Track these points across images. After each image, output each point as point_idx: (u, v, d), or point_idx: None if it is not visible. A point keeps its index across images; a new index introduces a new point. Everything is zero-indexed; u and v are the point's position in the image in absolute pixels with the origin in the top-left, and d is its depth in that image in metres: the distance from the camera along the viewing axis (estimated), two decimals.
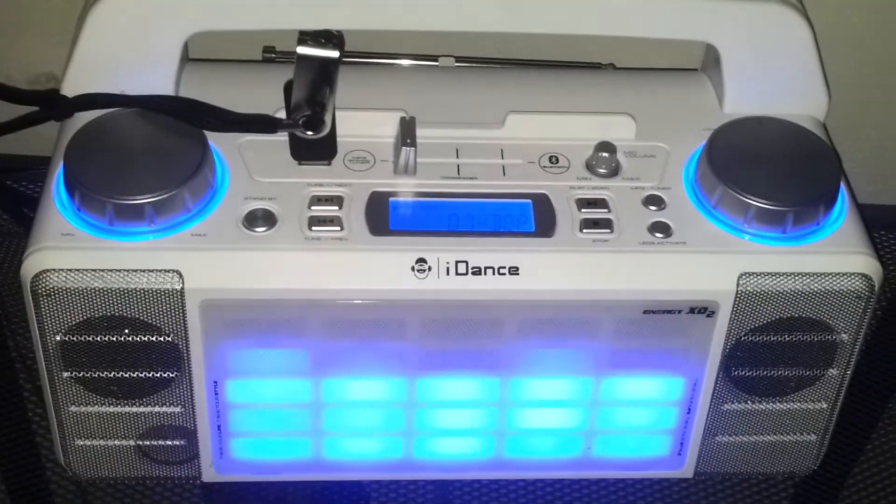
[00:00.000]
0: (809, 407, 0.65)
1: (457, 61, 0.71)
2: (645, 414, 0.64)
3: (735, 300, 0.59)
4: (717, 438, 0.65)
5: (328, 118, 0.59)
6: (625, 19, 0.64)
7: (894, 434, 0.73)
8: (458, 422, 0.63)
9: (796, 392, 0.64)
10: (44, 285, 0.56)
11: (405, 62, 0.71)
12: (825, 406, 0.65)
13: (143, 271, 0.56)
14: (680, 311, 0.59)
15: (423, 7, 0.63)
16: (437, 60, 0.71)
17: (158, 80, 0.63)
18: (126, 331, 0.58)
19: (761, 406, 0.64)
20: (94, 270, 0.56)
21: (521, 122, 0.64)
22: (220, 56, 0.71)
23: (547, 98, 0.67)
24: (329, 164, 0.62)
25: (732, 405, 0.64)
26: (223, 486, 0.66)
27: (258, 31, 0.64)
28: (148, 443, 0.63)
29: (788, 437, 0.66)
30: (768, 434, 0.65)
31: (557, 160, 0.63)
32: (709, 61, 0.68)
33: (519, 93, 0.67)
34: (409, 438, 0.64)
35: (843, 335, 0.61)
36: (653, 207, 0.61)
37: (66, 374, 0.59)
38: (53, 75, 0.81)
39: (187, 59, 0.66)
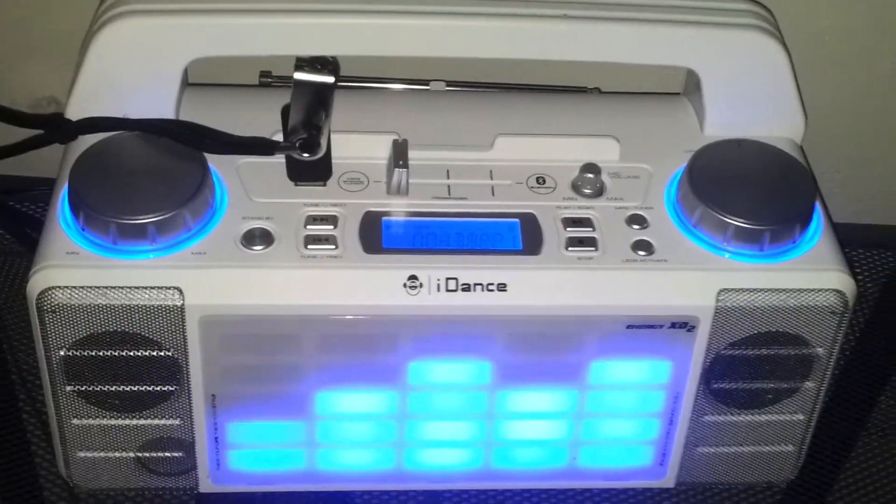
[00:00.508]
0: (787, 418, 0.67)
1: (447, 85, 0.73)
2: (628, 426, 0.66)
3: (714, 315, 0.61)
4: (698, 449, 0.67)
5: (324, 141, 0.61)
6: (609, 46, 0.66)
7: (876, 444, 0.75)
8: (447, 434, 0.65)
9: (774, 404, 0.66)
10: (49, 302, 0.58)
11: (398, 86, 0.73)
12: (802, 418, 0.67)
13: (145, 288, 0.58)
14: (662, 326, 0.62)
15: (415, 34, 0.65)
16: (428, 84, 0.73)
17: (160, 104, 0.65)
18: (127, 346, 0.60)
19: (740, 418, 0.66)
20: (98, 288, 0.58)
21: (510, 144, 0.66)
22: (218, 80, 0.73)
23: (534, 121, 0.69)
24: (324, 184, 0.64)
25: (713, 417, 0.66)
26: (219, 497, 0.68)
27: (255, 56, 0.66)
28: (147, 454, 0.64)
29: (767, 447, 0.68)
30: (748, 445, 0.67)
31: (544, 181, 0.65)
32: (690, 86, 0.71)
33: (507, 116, 0.69)
34: (401, 450, 0.66)
35: (819, 349, 0.64)
36: (636, 226, 0.63)
37: (68, 388, 0.61)
38: (55, 98, 0.83)
39: (187, 83, 0.69)
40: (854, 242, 0.87)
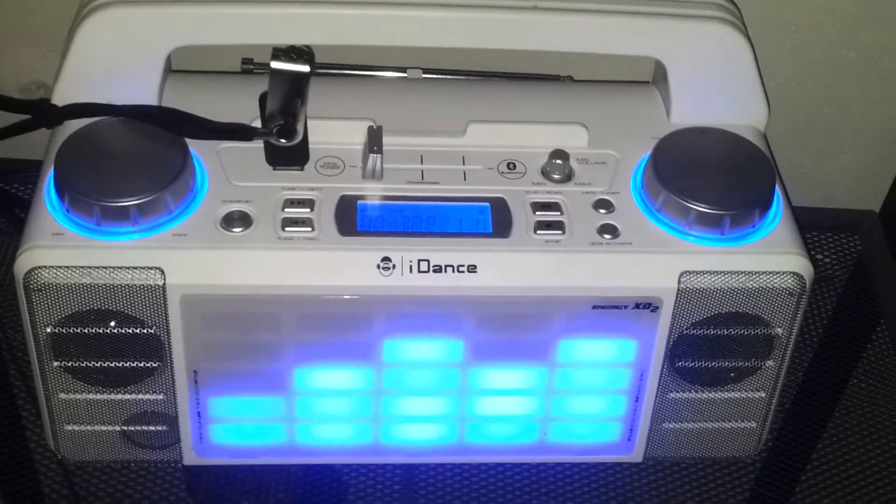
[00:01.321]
0: (749, 396, 0.69)
1: (424, 72, 0.75)
2: (596, 402, 0.68)
3: (677, 296, 0.64)
4: (663, 425, 0.69)
5: (300, 127, 0.63)
6: (577, 37, 0.68)
7: (846, 423, 0.77)
8: (421, 409, 0.68)
9: (737, 382, 0.68)
10: (35, 281, 0.60)
11: (375, 73, 0.75)
12: (764, 395, 0.69)
13: (128, 268, 0.61)
14: (626, 307, 0.64)
15: (390, 25, 0.67)
16: (405, 72, 0.75)
17: (143, 90, 0.67)
18: (112, 323, 0.62)
19: (704, 395, 0.69)
20: (82, 267, 0.60)
21: (482, 130, 0.69)
22: (201, 67, 0.75)
23: (507, 108, 0.71)
24: (302, 169, 0.66)
25: (677, 394, 0.68)
26: (204, 470, 0.70)
27: (237, 45, 0.68)
28: (132, 428, 0.67)
29: (731, 423, 0.70)
30: (712, 421, 0.70)
31: (515, 166, 0.68)
32: (658, 75, 0.73)
33: (481, 103, 0.71)
34: (377, 425, 0.68)
35: (778, 329, 0.66)
36: (602, 211, 0.66)
37: (55, 364, 0.63)
38: (43, 83, 0.84)
39: (170, 70, 0.71)
40: (822, 226, 0.89)
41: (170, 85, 0.70)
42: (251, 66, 0.74)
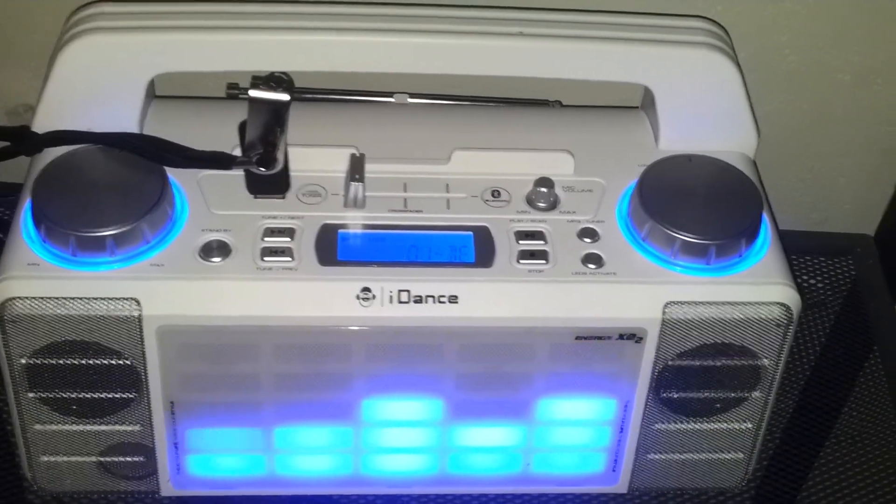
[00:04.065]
0: (736, 427, 0.68)
1: (411, 97, 0.75)
2: (580, 433, 0.68)
3: (662, 327, 0.63)
4: (649, 456, 0.69)
5: (280, 156, 0.63)
6: (563, 63, 0.67)
7: (840, 452, 0.76)
8: (403, 440, 0.67)
9: (723, 413, 0.67)
10: (10, 312, 0.60)
11: (361, 99, 0.74)
12: (751, 426, 0.68)
13: (104, 299, 0.60)
14: (610, 338, 0.63)
15: (373, 51, 0.66)
16: (391, 97, 0.74)
17: (124, 117, 0.66)
18: (87, 354, 0.61)
19: (690, 426, 0.68)
20: (58, 298, 0.60)
21: (467, 158, 0.68)
22: (187, 92, 0.74)
23: (492, 135, 0.70)
24: (283, 197, 0.65)
25: (663, 425, 0.67)
26: (191, 499, 0.69)
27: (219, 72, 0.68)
28: (109, 459, 0.66)
29: (717, 455, 0.69)
30: (698, 452, 0.69)
31: (499, 194, 0.67)
32: (646, 101, 0.72)
33: (466, 130, 0.71)
34: (357, 456, 0.67)
35: (765, 360, 0.65)
36: (587, 240, 0.65)
37: (30, 395, 0.63)
38: (31, 106, 0.83)
39: (153, 95, 0.70)
40: (816, 250, 0.89)
41: (153, 111, 0.69)
42: (237, 92, 0.73)
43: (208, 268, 0.62)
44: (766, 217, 0.66)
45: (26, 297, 0.60)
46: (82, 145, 0.65)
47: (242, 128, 0.63)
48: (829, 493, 0.74)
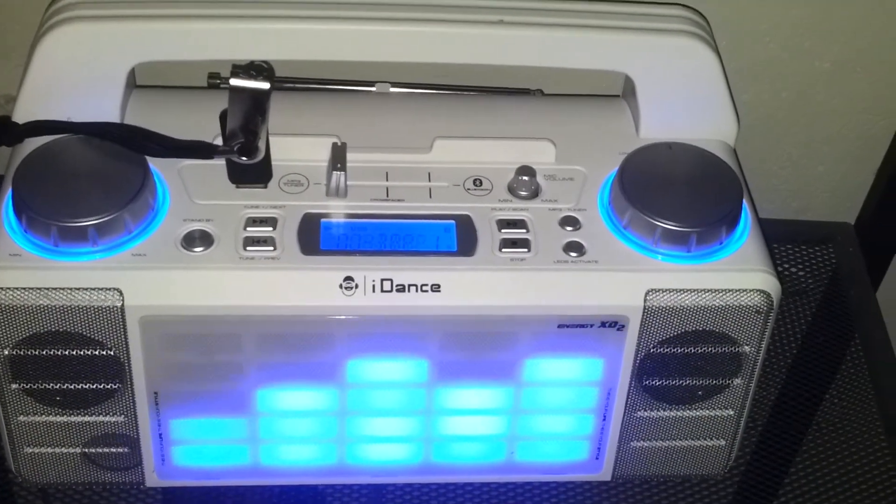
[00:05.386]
0: (718, 414, 0.68)
1: (392, 86, 0.74)
2: (563, 421, 0.68)
3: (643, 315, 0.63)
4: (632, 444, 0.69)
5: (261, 145, 0.63)
6: (542, 51, 0.67)
7: (822, 439, 0.76)
8: (387, 430, 0.67)
9: (705, 400, 0.68)
10: None
11: (342, 88, 0.74)
12: (733, 413, 0.69)
13: (86, 290, 0.60)
14: (592, 325, 0.63)
15: (353, 39, 0.66)
16: (374, 86, 0.74)
17: (105, 107, 0.66)
18: (70, 345, 0.61)
19: (672, 413, 0.68)
20: (40, 289, 0.60)
21: (448, 146, 0.68)
22: (167, 81, 0.74)
23: (474, 124, 0.70)
24: (265, 186, 0.65)
25: (645, 412, 0.68)
26: (178, 489, 0.69)
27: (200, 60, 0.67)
28: (93, 450, 0.66)
29: (699, 442, 0.70)
30: (680, 439, 0.69)
31: (481, 183, 0.67)
32: (627, 89, 0.72)
33: (447, 119, 0.71)
34: (342, 446, 0.67)
35: (746, 347, 0.65)
36: (568, 228, 0.65)
37: (14, 386, 0.63)
38: (13, 97, 0.83)
39: (134, 85, 0.70)
40: (796, 238, 0.89)
41: (134, 100, 0.69)
42: (218, 81, 0.73)
43: (191, 257, 0.62)
44: (746, 204, 0.66)
45: (8, 288, 0.59)
46: (63, 135, 0.64)
47: (223, 117, 0.63)
48: (811, 480, 0.74)
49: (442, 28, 0.66)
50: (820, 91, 0.84)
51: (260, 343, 0.62)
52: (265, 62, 0.61)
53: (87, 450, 0.66)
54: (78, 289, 0.60)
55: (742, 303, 0.63)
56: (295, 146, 0.66)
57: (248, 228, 0.63)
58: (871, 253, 0.88)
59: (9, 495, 0.70)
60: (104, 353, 0.62)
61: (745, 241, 0.65)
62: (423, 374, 0.65)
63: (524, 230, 0.65)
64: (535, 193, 0.67)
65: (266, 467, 0.68)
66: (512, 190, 0.67)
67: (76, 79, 0.66)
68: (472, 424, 0.67)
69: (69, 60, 0.65)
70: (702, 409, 0.68)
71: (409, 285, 0.62)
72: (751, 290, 0.63)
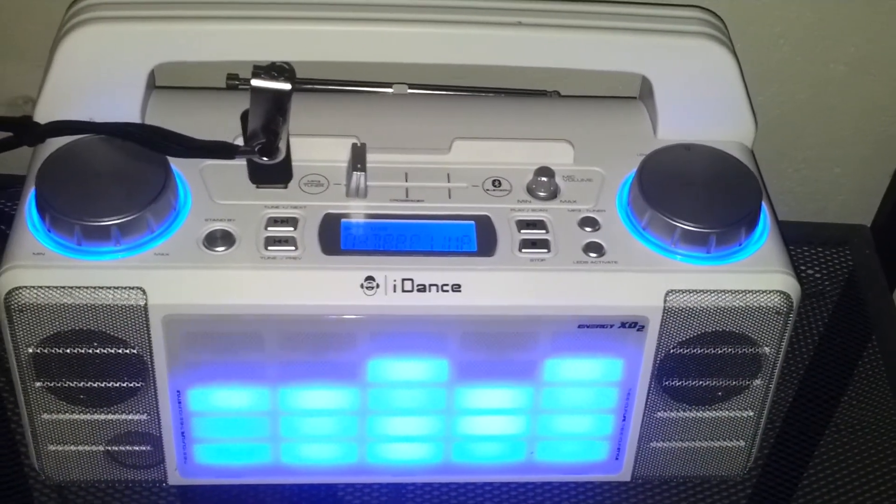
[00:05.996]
0: (737, 415, 0.69)
1: (410, 88, 0.75)
2: (583, 421, 0.68)
3: (663, 315, 0.63)
4: (651, 444, 0.69)
5: (282, 145, 0.63)
6: (561, 53, 0.68)
7: (840, 441, 0.76)
8: (407, 429, 0.67)
9: (725, 401, 0.68)
10: (16, 301, 0.60)
11: (361, 89, 0.74)
12: (752, 414, 0.69)
13: (109, 288, 0.60)
14: (612, 326, 0.64)
15: (374, 41, 0.67)
16: (391, 87, 0.75)
17: (125, 107, 0.67)
18: (94, 343, 0.62)
19: (692, 414, 0.68)
20: (64, 287, 0.60)
21: (467, 147, 0.68)
22: (186, 83, 0.75)
23: (492, 125, 0.71)
24: (285, 187, 0.66)
25: (665, 413, 0.68)
26: (197, 488, 0.69)
27: (220, 62, 0.68)
28: (116, 448, 0.66)
29: (719, 442, 0.70)
30: (700, 440, 0.69)
31: (500, 184, 0.67)
32: (645, 90, 0.72)
33: (466, 120, 0.71)
34: (363, 444, 0.68)
35: (766, 348, 0.65)
36: (588, 229, 0.65)
37: (38, 384, 0.63)
38: (30, 98, 0.83)
39: (154, 86, 0.70)
40: (813, 241, 0.89)
41: (153, 101, 0.69)
42: (237, 82, 0.74)
43: (213, 257, 0.62)
44: (765, 206, 0.67)
45: (32, 287, 0.60)
46: (84, 135, 0.65)
47: (244, 117, 0.63)
48: (830, 481, 0.74)
49: (461, 30, 0.67)
50: (835, 93, 0.84)
51: (281, 342, 0.63)
52: (286, 63, 0.61)
53: (109, 448, 0.66)
54: (101, 287, 0.60)
55: (762, 304, 0.63)
56: (315, 147, 0.67)
57: (270, 228, 0.63)
58: (888, 255, 0.88)
59: (26, 493, 0.70)
60: (127, 351, 0.62)
61: (765, 242, 0.65)
62: (444, 374, 0.65)
63: (544, 231, 0.65)
64: (553, 194, 0.67)
65: (287, 466, 0.68)
66: (531, 191, 0.67)
67: (97, 79, 0.66)
68: (492, 424, 0.68)
69: (90, 61, 0.66)
70: (721, 410, 0.68)
71: (430, 285, 0.62)
72: (770, 292, 0.63)
